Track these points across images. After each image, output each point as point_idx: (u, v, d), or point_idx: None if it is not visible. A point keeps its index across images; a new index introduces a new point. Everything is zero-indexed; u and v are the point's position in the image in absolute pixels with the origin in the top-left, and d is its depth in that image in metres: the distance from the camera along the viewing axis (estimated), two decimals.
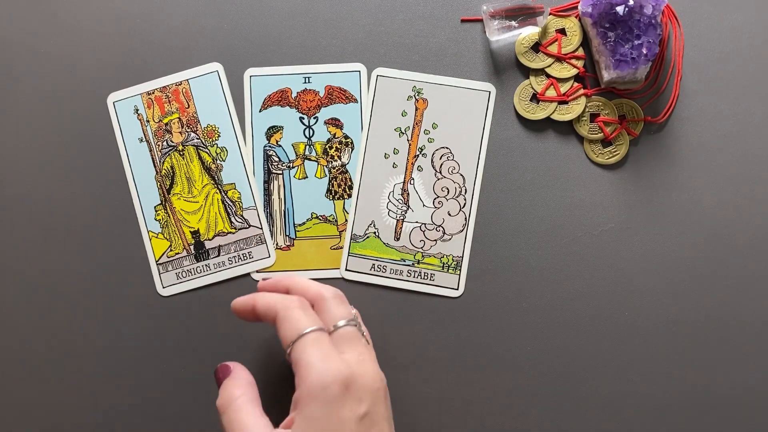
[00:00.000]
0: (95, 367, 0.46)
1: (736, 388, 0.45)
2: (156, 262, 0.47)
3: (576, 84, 0.46)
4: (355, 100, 0.47)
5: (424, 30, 0.47)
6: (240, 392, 0.37)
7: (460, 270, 0.46)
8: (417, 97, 0.47)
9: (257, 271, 0.46)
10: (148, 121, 0.47)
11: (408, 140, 0.47)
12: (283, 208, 0.47)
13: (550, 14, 0.46)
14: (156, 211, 0.47)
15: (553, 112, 0.46)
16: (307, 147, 0.47)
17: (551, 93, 0.46)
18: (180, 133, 0.47)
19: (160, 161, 0.47)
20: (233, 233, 0.47)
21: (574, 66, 0.46)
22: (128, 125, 0.47)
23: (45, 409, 0.46)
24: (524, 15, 0.46)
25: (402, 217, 0.47)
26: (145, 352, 0.46)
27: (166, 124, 0.47)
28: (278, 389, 0.45)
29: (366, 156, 0.47)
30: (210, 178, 0.47)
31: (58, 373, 0.46)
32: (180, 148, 0.47)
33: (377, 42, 0.47)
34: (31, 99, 0.47)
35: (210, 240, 0.47)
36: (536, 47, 0.47)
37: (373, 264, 0.46)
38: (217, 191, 0.47)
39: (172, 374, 0.46)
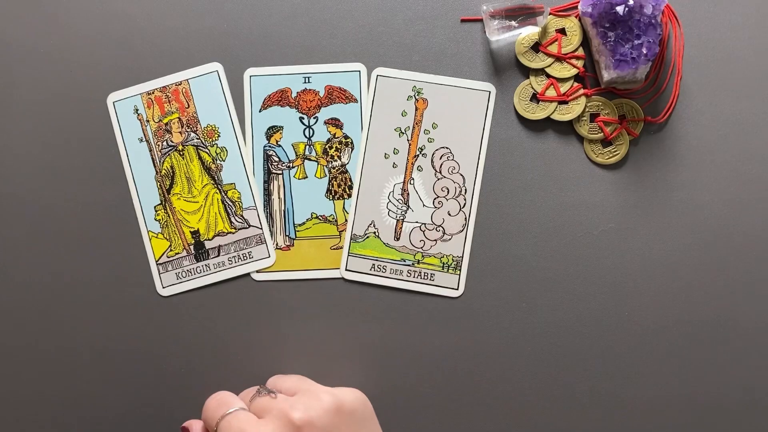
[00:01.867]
0: (95, 367, 0.46)
1: (737, 388, 0.45)
2: (156, 262, 0.46)
3: (576, 84, 0.46)
4: (355, 100, 0.47)
5: (424, 30, 0.47)
6: None
7: (460, 270, 0.46)
8: (417, 97, 0.47)
9: (257, 271, 0.46)
10: (148, 121, 0.47)
11: (408, 140, 0.47)
12: (283, 208, 0.47)
13: (550, 14, 0.46)
14: (156, 211, 0.47)
15: (553, 112, 0.46)
16: (307, 147, 0.47)
17: (551, 93, 0.46)
18: (180, 133, 0.47)
19: (160, 161, 0.47)
20: (233, 233, 0.47)
21: (574, 66, 0.46)
22: (128, 125, 0.47)
23: (44, 408, 0.46)
24: (524, 15, 0.46)
25: (402, 217, 0.47)
26: (144, 352, 0.46)
27: (166, 124, 0.47)
28: None
29: (366, 156, 0.47)
30: (210, 178, 0.47)
31: (58, 373, 0.46)
32: (180, 148, 0.47)
33: (377, 42, 0.47)
34: (31, 99, 0.47)
35: (210, 240, 0.47)
36: (536, 47, 0.47)
37: (373, 264, 0.46)
38: (217, 191, 0.47)
39: (171, 374, 0.46)
